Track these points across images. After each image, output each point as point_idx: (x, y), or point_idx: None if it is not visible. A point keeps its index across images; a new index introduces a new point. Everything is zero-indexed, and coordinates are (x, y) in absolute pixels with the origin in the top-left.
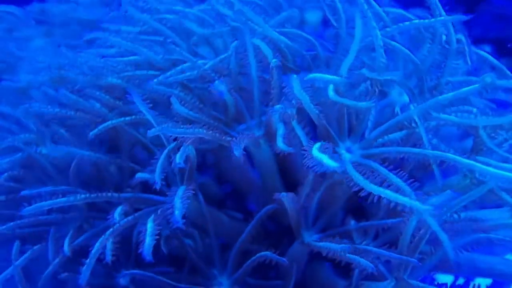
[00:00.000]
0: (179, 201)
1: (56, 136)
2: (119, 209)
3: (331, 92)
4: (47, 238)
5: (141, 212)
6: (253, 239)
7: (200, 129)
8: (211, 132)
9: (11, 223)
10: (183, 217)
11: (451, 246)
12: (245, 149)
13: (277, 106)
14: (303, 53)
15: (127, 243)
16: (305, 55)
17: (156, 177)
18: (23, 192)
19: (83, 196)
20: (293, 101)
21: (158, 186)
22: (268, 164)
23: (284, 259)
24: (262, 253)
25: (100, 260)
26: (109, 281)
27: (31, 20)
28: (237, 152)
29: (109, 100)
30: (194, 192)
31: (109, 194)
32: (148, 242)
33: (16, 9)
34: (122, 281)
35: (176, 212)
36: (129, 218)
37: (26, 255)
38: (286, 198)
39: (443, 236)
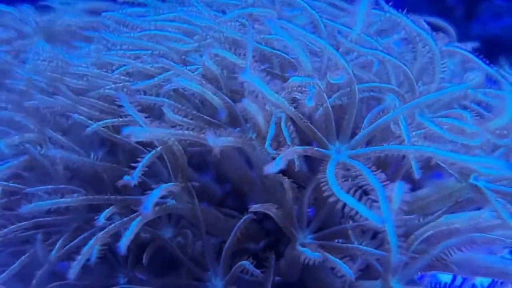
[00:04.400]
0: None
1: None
2: (105, 212)
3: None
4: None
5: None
6: (251, 237)
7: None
8: (187, 132)
9: (10, 227)
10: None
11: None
12: (242, 152)
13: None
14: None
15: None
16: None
17: (133, 177)
18: (27, 190)
19: (81, 198)
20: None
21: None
22: (265, 165)
23: (258, 271)
24: (241, 262)
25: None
26: (109, 281)
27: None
28: (212, 142)
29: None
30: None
31: (106, 196)
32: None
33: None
34: (121, 280)
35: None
36: (116, 223)
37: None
38: (264, 207)
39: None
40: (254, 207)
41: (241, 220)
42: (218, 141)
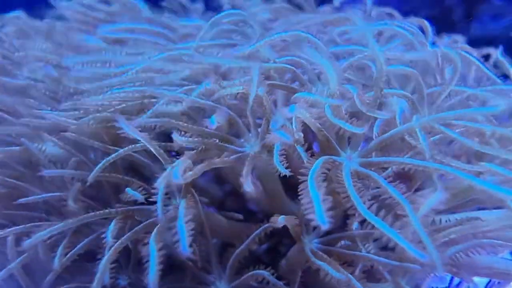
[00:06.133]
0: (183, 227)
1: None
2: (111, 227)
3: (329, 113)
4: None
5: (137, 228)
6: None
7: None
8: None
9: (9, 229)
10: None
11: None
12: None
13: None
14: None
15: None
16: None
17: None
18: (20, 200)
19: (82, 216)
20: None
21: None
22: (267, 170)
23: (280, 283)
24: (258, 271)
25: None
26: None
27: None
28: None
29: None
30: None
31: (107, 210)
32: (153, 273)
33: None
34: (122, 282)
35: (183, 243)
36: (129, 234)
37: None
38: (287, 220)
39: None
40: (279, 222)
41: (261, 229)
42: (250, 185)
